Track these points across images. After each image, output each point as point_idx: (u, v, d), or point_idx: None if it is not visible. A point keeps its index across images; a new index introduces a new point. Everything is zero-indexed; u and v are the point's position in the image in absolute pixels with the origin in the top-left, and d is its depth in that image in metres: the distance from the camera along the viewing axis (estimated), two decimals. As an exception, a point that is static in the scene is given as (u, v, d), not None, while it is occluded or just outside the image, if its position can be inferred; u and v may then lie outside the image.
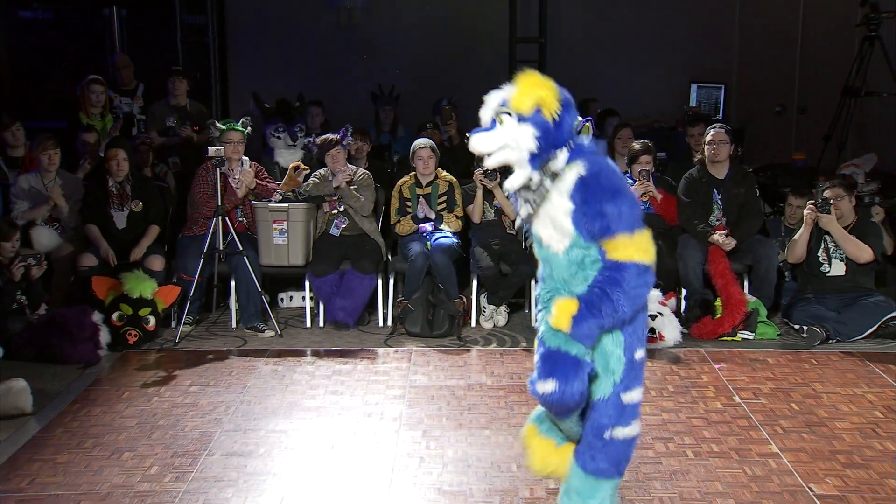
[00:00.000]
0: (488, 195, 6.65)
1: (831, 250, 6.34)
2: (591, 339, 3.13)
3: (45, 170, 6.58)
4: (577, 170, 3.15)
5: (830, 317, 6.18)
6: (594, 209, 3.12)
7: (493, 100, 3.23)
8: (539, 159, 3.17)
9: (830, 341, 6.08)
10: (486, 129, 3.22)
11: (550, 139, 3.15)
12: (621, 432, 3.29)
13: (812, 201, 6.24)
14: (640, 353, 3.30)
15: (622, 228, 3.12)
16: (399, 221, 6.69)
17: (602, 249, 3.16)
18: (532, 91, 3.13)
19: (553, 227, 3.23)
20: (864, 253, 6.22)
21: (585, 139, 3.25)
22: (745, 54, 10.39)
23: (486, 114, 3.25)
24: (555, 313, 3.13)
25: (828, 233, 6.30)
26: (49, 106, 9.11)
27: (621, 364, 3.24)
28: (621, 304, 3.11)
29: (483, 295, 6.62)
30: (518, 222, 3.36)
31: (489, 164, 3.28)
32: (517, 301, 6.93)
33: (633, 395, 3.29)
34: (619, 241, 3.11)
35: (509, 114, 3.15)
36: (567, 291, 3.24)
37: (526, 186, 3.22)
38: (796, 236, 6.39)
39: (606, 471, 3.32)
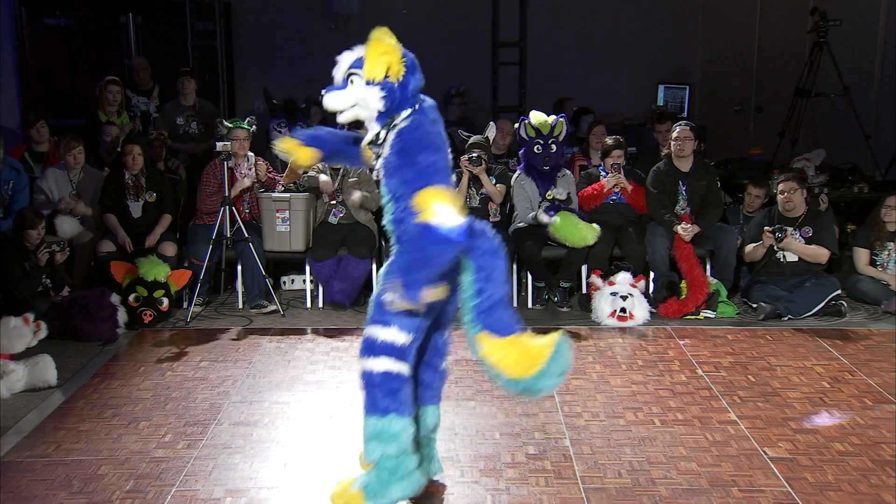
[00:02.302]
0: (476, 182, 6.58)
1: (786, 245, 6.36)
2: (402, 299, 2.97)
3: (72, 168, 6.61)
4: (403, 122, 3.18)
5: (783, 296, 6.21)
6: (407, 158, 3.11)
7: (344, 61, 3.24)
8: (386, 117, 3.20)
9: (783, 318, 6.11)
10: (339, 89, 3.24)
11: (396, 99, 3.17)
12: (368, 365, 3.21)
13: (769, 228, 6.25)
14: (390, 296, 3.06)
15: (433, 181, 3.07)
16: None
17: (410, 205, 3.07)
18: (380, 57, 3.15)
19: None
20: (822, 256, 6.28)
21: (429, 100, 3.29)
22: (708, 59, 10.39)
23: (338, 74, 3.26)
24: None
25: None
26: (71, 105, 9.06)
27: (372, 303, 3.21)
28: (430, 262, 2.99)
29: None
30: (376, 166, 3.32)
31: (341, 120, 3.30)
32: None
33: (376, 331, 3.19)
34: (429, 192, 3.03)
35: (359, 75, 3.17)
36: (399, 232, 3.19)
37: (373, 141, 3.26)
38: (752, 247, 6.42)
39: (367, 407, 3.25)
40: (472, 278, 3.09)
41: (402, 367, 3.21)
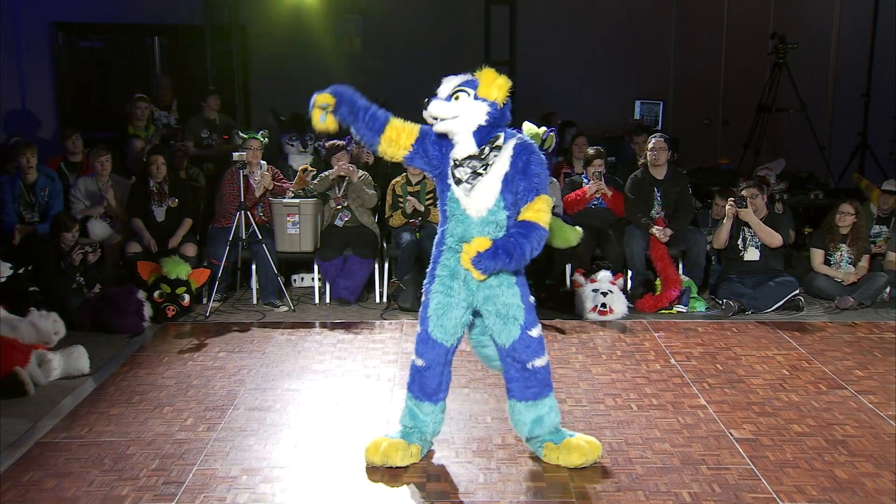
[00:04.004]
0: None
1: (748, 239, 6.36)
2: (488, 270, 3.30)
3: (100, 174, 6.57)
4: (514, 141, 3.40)
5: (747, 293, 6.21)
6: (533, 170, 3.36)
7: (451, 81, 3.40)
8: (481, 134, 3.35)
9: (746, 313, 6.12)
10: (444, 100, 3.36)
11: (496, 120, 3.36)
12: (539, 362, 3.52)
13: (732, 198, 6.28)
14: (532, 299, 3.53)
15: (544, 190, 3.38)
16: (392, 215, 6.65)
17: (514, 214, 3.38)
18: (495, 80, 3.34)
19: (483, 192, 3.36)
20: (774, 239, 6.28)
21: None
22: (680, 77, 10.41)
23: (444, 89, 3.40)
24: (472, 245, 3.27)
25: (746, 225, 6.33)
26: (102, 119, 9.05)
27: (521, 310, 3.45)
28: (525, 255, 3.31)
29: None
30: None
31: (437, 127, 3.40)
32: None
33: (536, 331, 3.51)
34: (539, 200, 3.34)
35: (466, 92, 3.31)
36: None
37: (473, 156, 3.37)
38: (717, 232, 6.43)
39: (540, 392, 3.55)
40: None
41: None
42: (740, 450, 3.82)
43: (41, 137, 8.95)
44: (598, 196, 6.63)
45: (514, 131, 3.47)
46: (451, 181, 3.43)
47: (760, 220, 6.34)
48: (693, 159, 9.28)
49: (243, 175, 6.27)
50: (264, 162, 6.65)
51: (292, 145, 7.45)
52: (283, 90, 9.45)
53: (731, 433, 4.01)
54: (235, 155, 6.20)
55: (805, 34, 9.30)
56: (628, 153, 8.13)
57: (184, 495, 3.40)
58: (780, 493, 3.40)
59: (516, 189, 3.35)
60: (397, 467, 3.60)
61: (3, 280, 5.21)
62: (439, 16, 9.85)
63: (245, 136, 6.54)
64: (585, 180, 6.69)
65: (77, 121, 8.77)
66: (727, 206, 6.29)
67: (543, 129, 6.82)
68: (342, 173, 6.44)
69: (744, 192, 6.38)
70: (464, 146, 3.37)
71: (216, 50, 8.79)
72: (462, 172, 3.38)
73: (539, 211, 3.33)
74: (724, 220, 6.35)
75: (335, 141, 6.59)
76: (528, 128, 6.40)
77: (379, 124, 3.48)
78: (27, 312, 5.12)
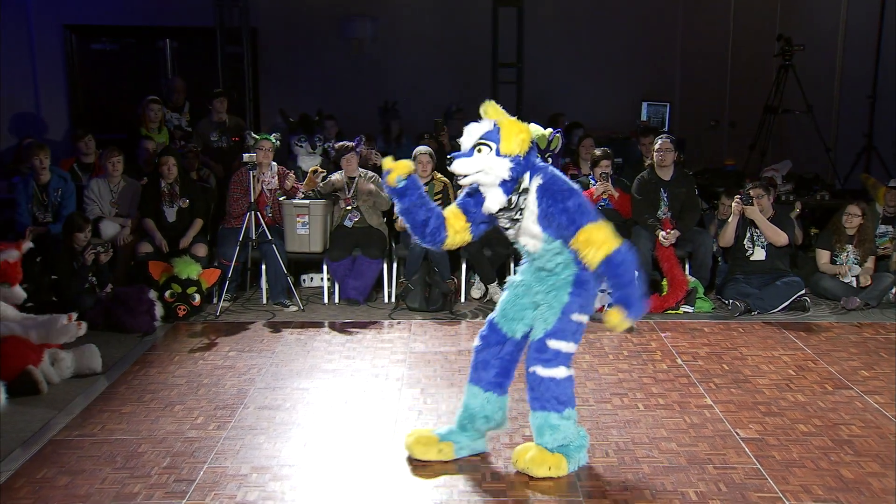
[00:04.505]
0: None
1: (755, 238, 6.34)
2: (638, 314, 3.33)
3: (112, 175, 6.59)
4: (536, 182, 3.35)
5: (753, 293, 6.20)
6: (558, 207, 3.29)
7: (474, 131, 3.40)
8: (508, 184, 3.37)
9: (752, 313, 6.10)
10: (466, 155, 3.38)
11: (521, 171, 3.37)
12: (542, 371, 3.45)
13: (738, 196, 6.27)
14: (578, 317, 3.46)
15: (586, 220, 3.27)
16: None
17: (569, 242, 3.32)
18: (517, 136, 3.34)
19: (527, 234, 3.42)
20: (780, 237, 6.26)
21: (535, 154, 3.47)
22: (686, 79, 10.39)
23: (466, 142, 3.42)
24: (613, 322, 3.30)
25: (752, 224, 6.31)
26: (114, 120, 9.08)
27: (555, 317, 3.42)
28: (633, 282, 3.30)
29: (473, 275, 6.62)
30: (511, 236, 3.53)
31: (462, 182, 3.44)
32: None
33: (556, 344, 3.43)
34: (588, 231, 3.26)
35: (489, 146, 3.31)
36: (546, 272, 3.45)
37: (506, 208, 3.40)
38: (724, 230, 6.41)
39: (539, 404, 3.50)
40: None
41: (572, 371, 3.52)
42: (746, 449, 3.81)
43: (53, 139, 9.00)
44: (604, 197, 6.62)
45: (540, 166, 3.43)
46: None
47: (767, 219, 6.32)
48: (699, 160, 9.27)
49: (253, 176, 6.28)
50: (275, 163, 6.67)
51: (301, 146, 7.45)
52: (293, 92, 9.49)
53: (737, 433, 4.00)
54: (245, 156, 6.22)
55: (811, 36, 9.27)
56: (635, 154, 8.11)
57: (195, 493, 3.42)
58: (787, 493, 3.39)
59: (556, 223, 3.33)
60: (417, 460, 3.65)
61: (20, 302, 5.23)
62: (447, 18, 9.86)
63: (258, 137, 6.56)
64: (592, 181, 6.68)
65: (89, 122, 8.82)
66: (734, 204, 6.28)
67: (549, 130, 6.81)
68: (363, 190, 6.48)
69: (750, 192, 6.36)
70: (493, 199, 3.40)
71: (227, 52, 8.81)
72: (502, 222, 3.48)
73: (590, 244, 3.27)
74: (731, 218, 6.33)
75: (344, 142, 6.62)
76: (534, 129, 6.44)
77: (441, 237, 3.53)
78: (41, 308, 5.14)
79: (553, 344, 3.42)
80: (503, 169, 3.33)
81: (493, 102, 3.43)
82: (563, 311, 3.42)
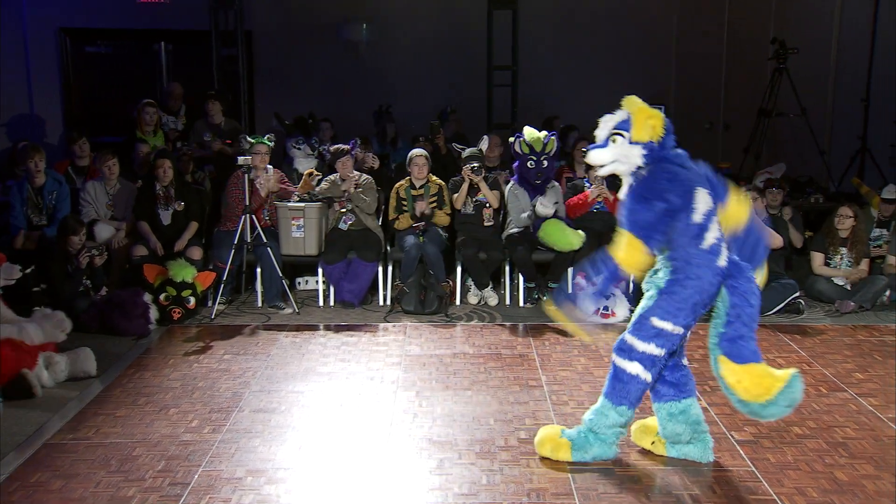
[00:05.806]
0: (471, 191, 6.56)
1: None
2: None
3: (107, 178, 6.59)
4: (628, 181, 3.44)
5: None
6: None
7: (607, 122, 3.45)
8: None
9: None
10: (600, 146, 3.43)
11: (655, 157, 3.37)
12: (619, 362, 3.51)
13: None
14: (659, 322, 3.41)
15: (626, 228, 3.32)
16: (397, 218, 6.65)
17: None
18: (647, 121, 3.35)
19: None
20: (776, 239, 6.25)
21: (679, 151, 3.46)
22: (681, 81, 10.41)
23: (601, 133, 3.46)
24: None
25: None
26: (109, 124, 9.08)
27: (638, 316, 3.48)
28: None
29: (468, 278, 6.61)
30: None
31: (601, 172, 3.50)
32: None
33: (632, 341, 3.47)
34: (619, 235, 3.34)
35: (622, 135, 3.35)
36: (651, 272, 3.49)
37: None
38: None
39: (608, 391, 3.58)
40: (725, 310, 3.35)
41: (648, 376, 3.47)
42: (741, 452, 3.82)
43: (49, 142, 8.99)
44: (599, 200, 6.62)
45: (661, 155, 3.39)
46: None
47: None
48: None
49: (248, 179, 6.28)
50: (270, 166, 6.66)
51: (298, 149, 7.45)
52: (288, 95, 9.48)
53: (732, 435, 4.00)
54: (241, 159, 6.21)
55: (805, 39, 9.30)
56: (630, 157, 8.10)
57: (189, 496, 3.41)
58: (781, 495, 3.40)
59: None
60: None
61: (13, 282, 5.21)
62: (442, 20, 9.86)
63: (253, 140, 6.53)
64: (587, 184, 6.69)
65: (83, 125, 8.80)
66: None
67: (544, 133, 6.76)
68: (345, 188, 6.46)
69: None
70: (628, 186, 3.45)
71: (221, 55, 8.80)
72: None
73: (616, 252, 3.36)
74: None
75: (340, 146, 6.61)
76: (530, 132, 6.46)
77: (620, 274, 3.50)
78: (31, 312, 5.13)
79: (630, 339, 3.47)
80: (636, 157, 3.36)
81: (633, 97, 3.45)
82: (647, 314, 3.44)
